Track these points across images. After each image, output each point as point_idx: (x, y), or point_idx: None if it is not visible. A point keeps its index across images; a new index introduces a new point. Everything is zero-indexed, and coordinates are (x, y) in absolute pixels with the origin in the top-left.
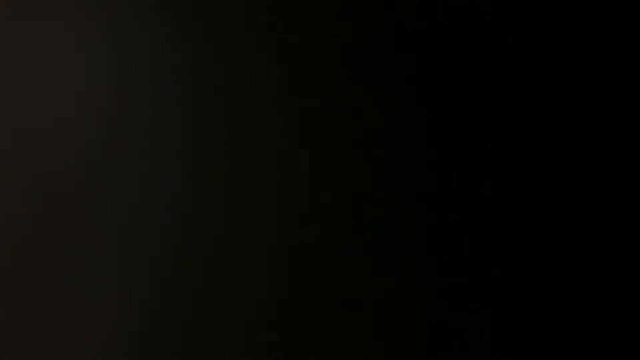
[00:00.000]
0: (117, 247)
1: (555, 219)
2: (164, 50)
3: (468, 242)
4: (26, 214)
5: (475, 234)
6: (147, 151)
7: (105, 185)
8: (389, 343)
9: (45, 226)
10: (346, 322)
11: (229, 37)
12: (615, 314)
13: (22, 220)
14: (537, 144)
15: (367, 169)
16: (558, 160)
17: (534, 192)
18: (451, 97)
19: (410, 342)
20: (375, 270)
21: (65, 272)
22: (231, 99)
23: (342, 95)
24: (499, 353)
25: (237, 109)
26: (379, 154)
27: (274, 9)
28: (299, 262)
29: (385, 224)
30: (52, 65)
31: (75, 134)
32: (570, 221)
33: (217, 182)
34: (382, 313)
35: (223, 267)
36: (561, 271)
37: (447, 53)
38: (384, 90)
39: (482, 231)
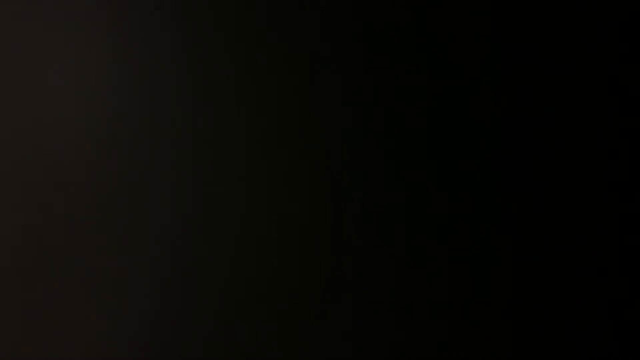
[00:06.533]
0: (116, 248)
1: (555, 219)
2: (163, 50)
3: (469, 241)
4: (25, 214)
5: (476, 233)
6: (147, 151)
7: (105, 185)
8: (395, 342)
9: (44, 227)
10: (348, 323)
11: (229, 37)
12: (616, 314)
13: (22, 219)
14: (537, 144)
15: (367, 168)
16: (559, 159)
17: (534, 192)
18: (451, 96)
19: (416, 342)
20: (377, 270)
21: (65, 273)
22: (231, 99)
23: (342, 95)
24: (504, 352)
25: (237, 109)
26: (380, 153)
27: (272, 11)
28: (299, 262)
29: (388, 222)
30: (51, 65)
31: (75, 134)
32: (570, 221)
33: (217, 182)
34: (387, 312)
35: (223, 267)
36: (562, 271)
37: (446, 52)
38: (384, 89)
39: (482, 229)
